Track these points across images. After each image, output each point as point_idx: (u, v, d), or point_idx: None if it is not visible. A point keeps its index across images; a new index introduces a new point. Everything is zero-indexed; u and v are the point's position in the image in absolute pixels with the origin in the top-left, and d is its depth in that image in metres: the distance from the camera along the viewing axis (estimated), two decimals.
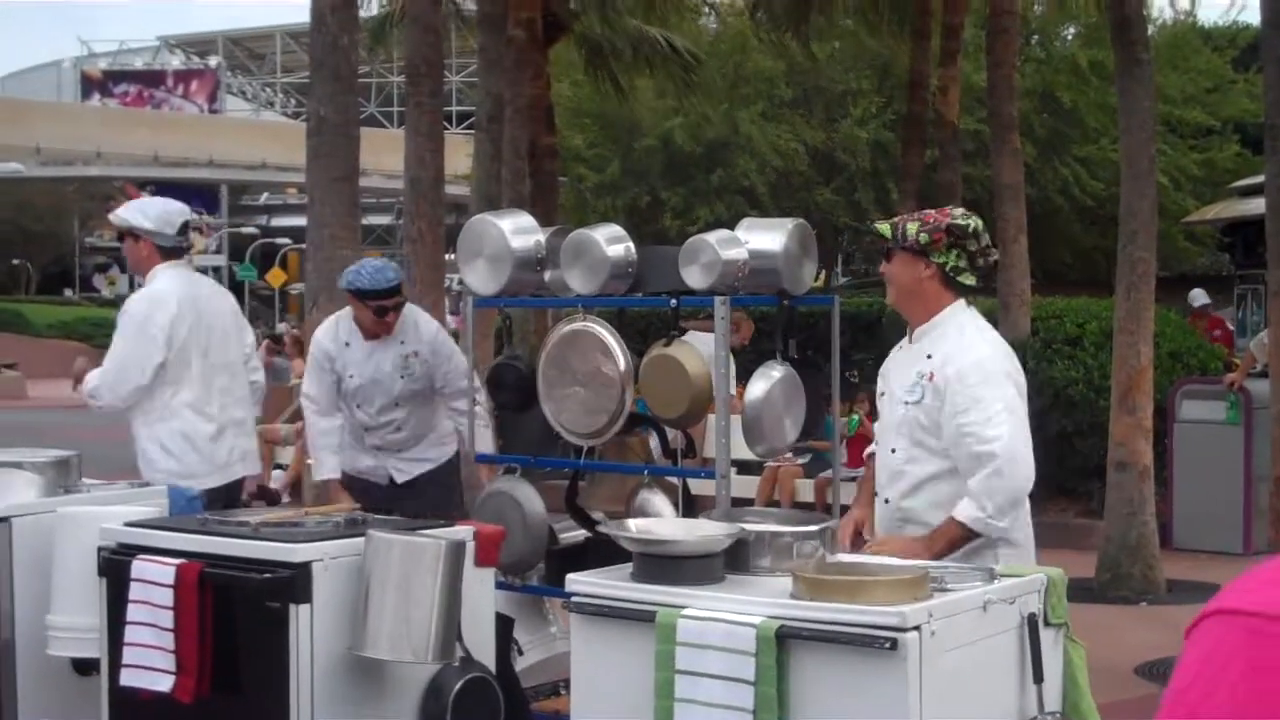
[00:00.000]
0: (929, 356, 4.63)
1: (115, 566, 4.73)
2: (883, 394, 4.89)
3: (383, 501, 6.27)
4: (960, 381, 4.52)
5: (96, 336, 40.30)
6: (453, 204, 18.03)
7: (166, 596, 4.50)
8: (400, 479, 6.91)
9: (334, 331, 6.94)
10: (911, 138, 17.19)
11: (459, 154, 18.59)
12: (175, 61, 70.77)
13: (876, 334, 16.37)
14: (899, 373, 4.76)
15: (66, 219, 58.39)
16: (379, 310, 6.76)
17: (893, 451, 4.70)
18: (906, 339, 4.83)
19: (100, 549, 4.83)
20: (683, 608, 3.75)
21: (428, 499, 6.62)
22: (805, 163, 24.08)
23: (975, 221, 4.72)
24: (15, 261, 56.10)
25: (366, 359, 6.85)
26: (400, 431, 6.93)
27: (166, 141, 54.41)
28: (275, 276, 48.67)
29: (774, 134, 23.84)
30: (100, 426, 21.29)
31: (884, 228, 4.76)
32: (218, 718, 4.51)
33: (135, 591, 4.58)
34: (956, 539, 4.47)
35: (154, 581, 4.54)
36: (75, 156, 51.33)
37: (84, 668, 5.11)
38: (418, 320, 6.97)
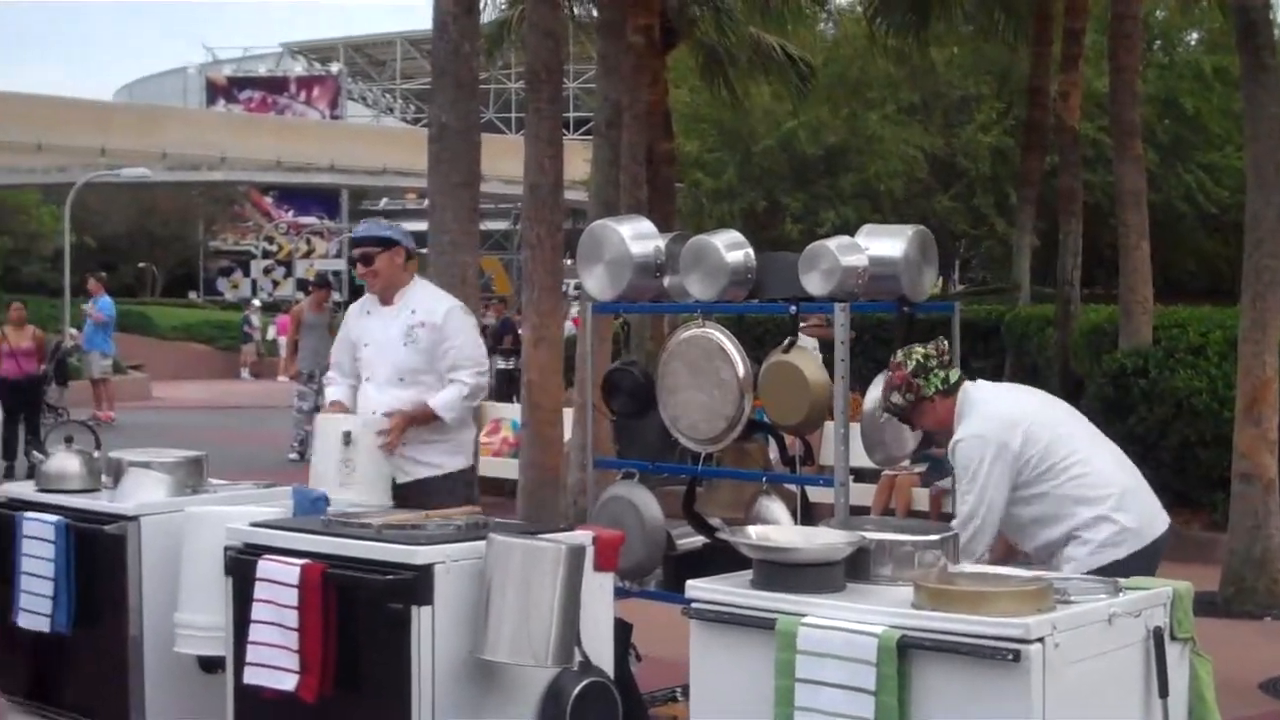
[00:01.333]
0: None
1: (241, 566, 4.81)
2: None
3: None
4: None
5: (220, 339, 40.99)
6: (570, 209, 18.11)
7: (291, 596, 4.56)
8: (400, 479, 6.53)
9: (362, 303, 7.00)
10: (1032, 144, 17.03)
11: (576, 159, 18.67)
12: (298, 68, 71.62)
13: (995, 341, 16.23)
14: None
15: (191, 223, 59.32)
16: (360, 258, 6.78)
17: None
18: None
19: (226, 548, 4.91)
20: (803, 616, 3.73)
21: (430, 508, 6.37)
22: (925, 169, 23.92)
23: (911, 355, 5.42)
24: (142, 265, 57.13)
25: (379, 327, 6.81)
26: None
27: (289, 147, 55.07)
28: None
29: (900, 138, 23.72)
30: (225, 428, 21.65)
31: (892, 410, 5.55)
32: (340, 717, 4.56)
33: (260, 591, 4.65)
34: None
35: (279, 581, 4.60)
36: (201, 161, 52.11)
37: (210, 665, 5.20)
38: (435, 295, 6.92)
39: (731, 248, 6.08)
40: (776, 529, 4.33)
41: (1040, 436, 5.19)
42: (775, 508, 6.09)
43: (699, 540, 6.28)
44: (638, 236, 6.38)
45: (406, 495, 6.38)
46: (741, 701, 3.86)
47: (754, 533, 4.21)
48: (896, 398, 5.44)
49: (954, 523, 5.12)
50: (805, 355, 5.99)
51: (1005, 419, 5.23)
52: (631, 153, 13.26)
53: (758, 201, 24.15)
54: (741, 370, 5.95)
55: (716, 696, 3.98)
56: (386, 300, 6.80)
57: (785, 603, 3.82)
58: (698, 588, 4.06)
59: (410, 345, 6.68)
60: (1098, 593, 3.82)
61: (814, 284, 5.81)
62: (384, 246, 6.74)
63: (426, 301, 6.76)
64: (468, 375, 6.63)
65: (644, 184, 13.72)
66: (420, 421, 6.57)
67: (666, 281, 6.36)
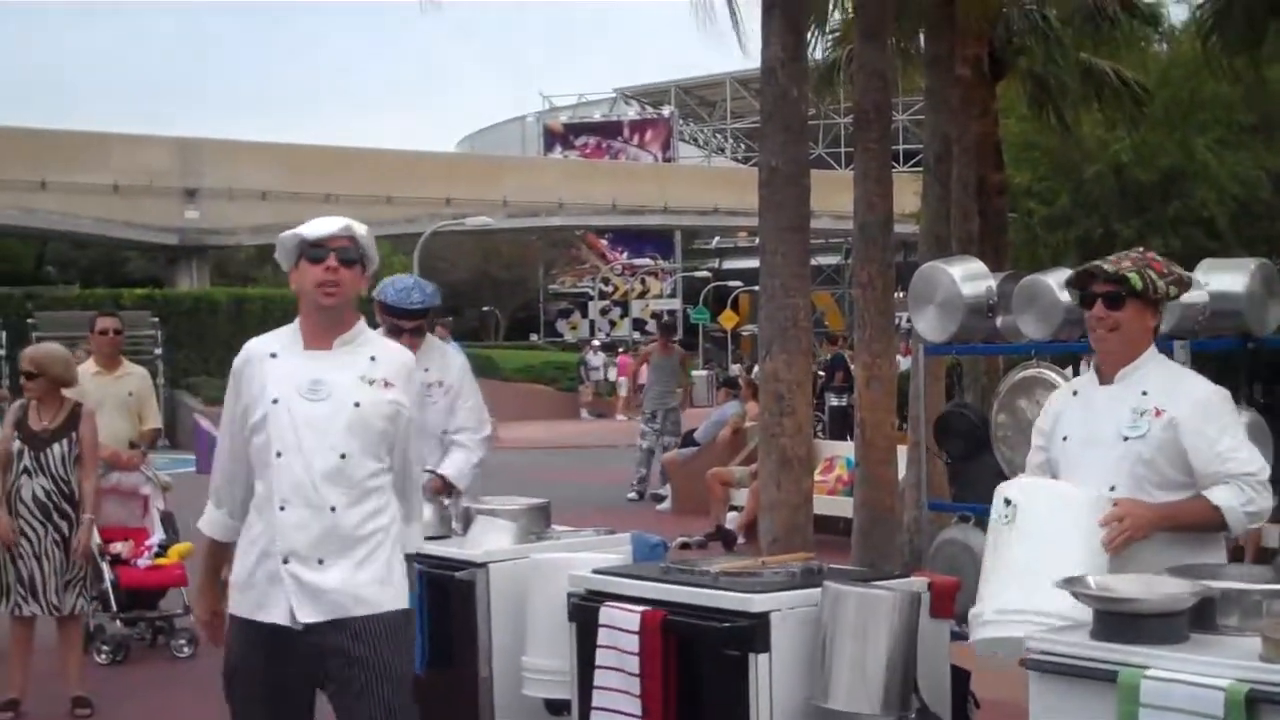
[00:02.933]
0: (1144, 394, 4.63)
1: (584, 612, 4.95)
2: (1065, 438, 4.79)
3: None
4: (1203, 412, 4.60)
5: (560, 379, 42.05)
6: (901, 242, 18.00)
7: (632, 643, 4.67)
8: None
9: None
10: None
11: (907, 192, 18.57)
12: (630, 112, 73.15)
13: None
14: (1108, 411, 4.69)
15: (531, 267, 61.18)
16: (393, 329, 6.51)
17: (1112, 489, 4.61)
18: (1092, 382, 4.80)
19: (570, 595, 5.06)
20: (1146, 668, 3.66)
21: None
22: (1268, 191, 22.94)
23: (1173, 268, 4.77)
24: (485, 309, 59.10)
25: None
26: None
27: (623, 190, 56.26)
28: (728, 318, 49.67)
29: (1233, 161, 22.81)
30: (567, 467, 22.17)
31: (1134, 278, 4.63)
32: None
33: (603, 637, 4.78)
34: (1197, 520, 4.56)
35: (620, 628, 4.73)
36: (539, 208, 53.65)
37: (556, 708, 5.36)
38: (446, 352, 6.84)
39: (1065, 286, 6.00)
40: (1117, 578, 4.23)
41: None
42: None
43: None
44: (969, 277, 6.37)
45: None
46: None
47: (1094, 582, 4.13)
48: (1158, 279, 4.66)
49: (1254, 467, 4.62)
50: None
51: None
52: (962, 185, 13.15)
53: (1093, 229, 23.54)
54: None
55: None
56: None
57: (1127, 654, 3.74)
58: (1037, 639, 4.01)
59: (428, 403, 6.50)
60: None
61: None
62: (420, 317, 6.64)
63: (437, 358, 6.73)
64: (466, 437, 6.67)
65: (975, 217, 13.58)
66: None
67: (999, 322, 6.32)
